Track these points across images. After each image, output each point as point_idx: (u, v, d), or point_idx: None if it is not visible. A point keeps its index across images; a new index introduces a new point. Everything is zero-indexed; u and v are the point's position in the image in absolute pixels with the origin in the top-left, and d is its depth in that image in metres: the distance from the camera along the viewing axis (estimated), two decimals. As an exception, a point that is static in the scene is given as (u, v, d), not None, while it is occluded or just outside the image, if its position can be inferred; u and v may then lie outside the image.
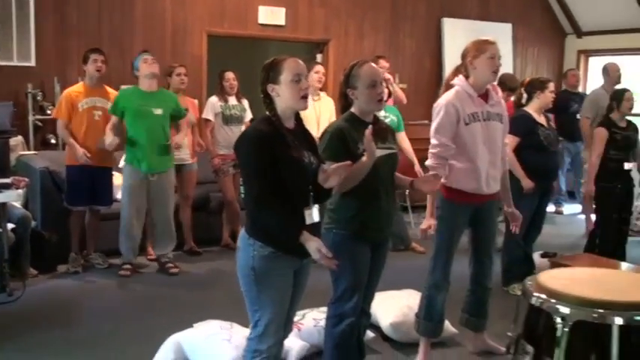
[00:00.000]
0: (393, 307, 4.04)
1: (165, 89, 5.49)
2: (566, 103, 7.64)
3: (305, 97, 2.62)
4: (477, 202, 3.52)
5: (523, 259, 4.90)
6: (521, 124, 4.70)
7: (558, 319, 2.05)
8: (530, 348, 2.15)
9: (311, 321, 3.80)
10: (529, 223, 4.76)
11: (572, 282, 2.24)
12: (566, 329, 2.04)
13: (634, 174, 6.51)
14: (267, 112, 2.64)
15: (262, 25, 7.54)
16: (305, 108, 2.67)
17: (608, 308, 2.04)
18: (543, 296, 2.16)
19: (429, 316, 3.60)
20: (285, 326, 2.80)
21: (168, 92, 5.44)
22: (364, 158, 2.82)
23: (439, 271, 3.55)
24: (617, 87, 7.07)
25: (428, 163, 3.44)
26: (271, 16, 7.55)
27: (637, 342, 2.01)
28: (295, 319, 3.79)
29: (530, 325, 2.23)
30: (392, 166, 3.11)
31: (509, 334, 2.41)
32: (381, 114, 5.72)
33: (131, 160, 5.17)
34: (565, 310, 2.06)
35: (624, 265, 4.52)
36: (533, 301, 2.21)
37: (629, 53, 8.87)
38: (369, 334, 3.89)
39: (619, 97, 5.33)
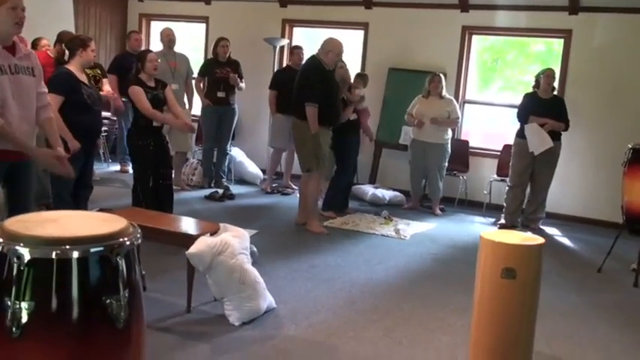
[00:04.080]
0: None
1: None
2: (129, 65, 7.87)
3: None
4: (10, 160, 3.40)
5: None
6: (63, 82, 4.57)
7: (15, 259, 2.11)
8: None
9: None
10: (81, 181, 4.81)
11: (34, 224, 2.29)
12: (23, 268, 2.11)
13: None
14: None
15: None
16: None
17: (67, 244, 2.14)
18: (3, 240, 2.17)
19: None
20: None
21: None
22: None
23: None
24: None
25: None
26: None
27: (95, 271, 2.18)
28: None
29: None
30: None
31: None
32: None
33: None
34: (23, 250, 2.12)
35: (171, 216, 4.88)
36: None
37: (184, 20, 9.62)
38: None
39: (142, 59, 5.50)
